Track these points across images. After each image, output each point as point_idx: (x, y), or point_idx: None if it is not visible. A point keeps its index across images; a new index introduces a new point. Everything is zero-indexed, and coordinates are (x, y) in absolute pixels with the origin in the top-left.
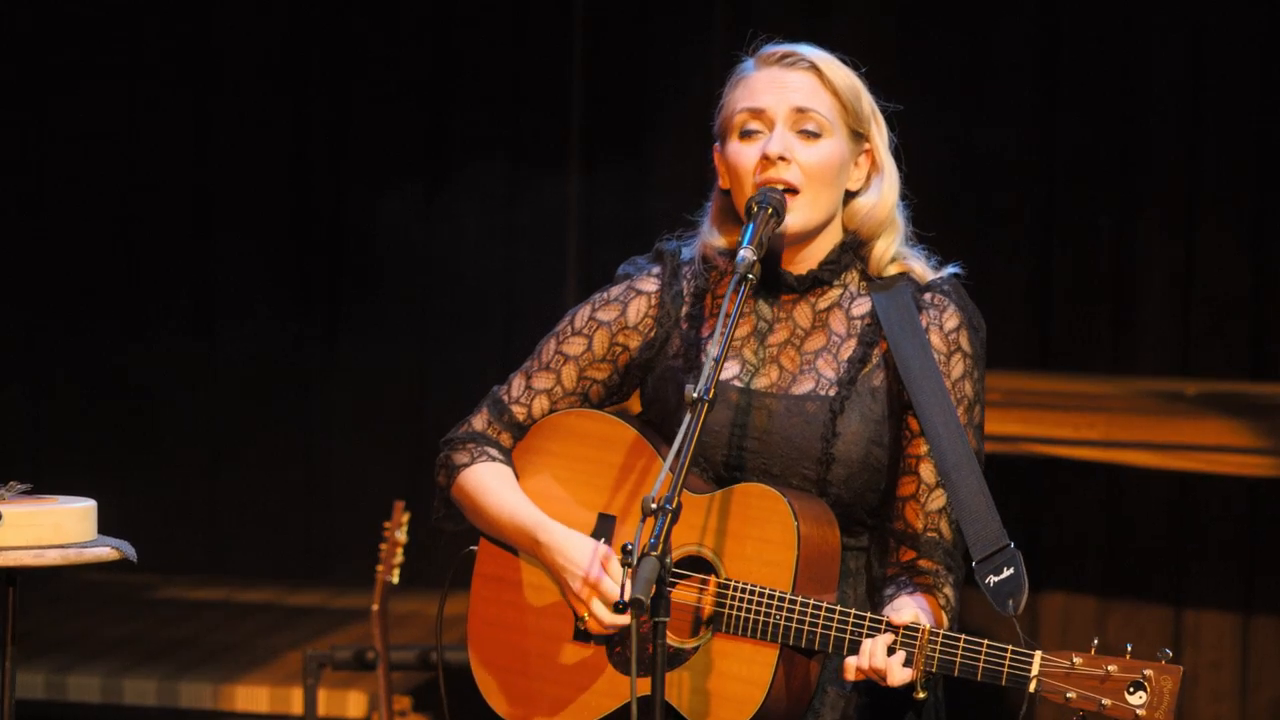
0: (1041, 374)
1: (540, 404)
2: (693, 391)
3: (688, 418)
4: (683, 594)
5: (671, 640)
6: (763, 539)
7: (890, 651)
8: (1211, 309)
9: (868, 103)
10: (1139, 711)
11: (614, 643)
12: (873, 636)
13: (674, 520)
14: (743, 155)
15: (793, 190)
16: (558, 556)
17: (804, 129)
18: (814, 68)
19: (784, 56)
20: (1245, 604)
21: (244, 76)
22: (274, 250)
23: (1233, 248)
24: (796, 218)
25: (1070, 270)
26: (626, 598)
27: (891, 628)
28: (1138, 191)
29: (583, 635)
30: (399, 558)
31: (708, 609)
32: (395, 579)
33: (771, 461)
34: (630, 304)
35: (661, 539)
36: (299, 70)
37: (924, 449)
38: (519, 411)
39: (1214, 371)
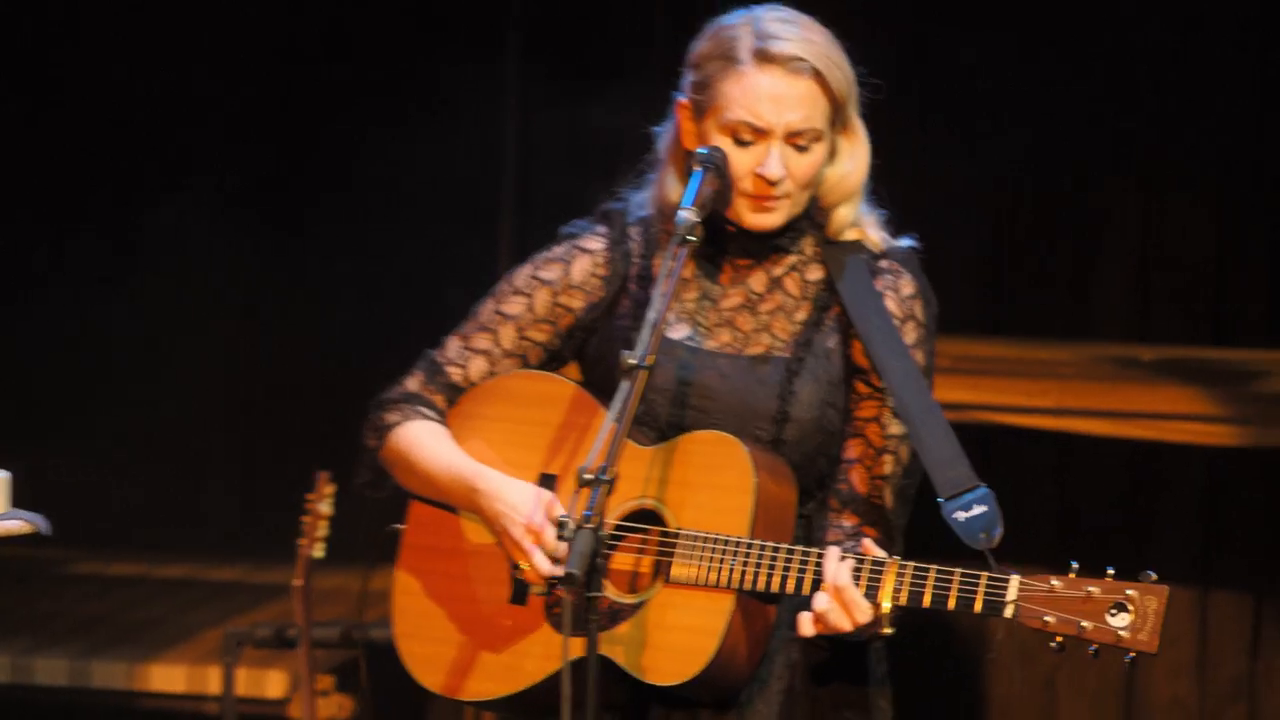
0: (992, 339)
1: (477, 366)
2: (630, 358)
3: (625, 385)
4: (629, 548)
5: (613, 595)
6: (717, 485)
7: (855, 580)
8: (1172, 272)
9: (852, 82)
10: (1121, 633)
11: (552, 604)
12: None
13: (610, 491)
14: (734, 161)
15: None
16: (497, 503)
17: (798, 144)
18: (816, 74)
19: (789, 60)
20: (1203, 578)
21: None
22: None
23: (1195, 209)
24: (777, 219)
25: (1025, 233)
26: (560, 572)
27: (859, 558)
28: (1097, 151)
29: (519, 598)
30: (322, 531)
31: (654, 561)
32: (319, 553)
33: (723, 421)
34: (575, 262)
35: (597, 510)
36: None
37: (872, 412)
38: (454, 373)
39: (1173, 337)
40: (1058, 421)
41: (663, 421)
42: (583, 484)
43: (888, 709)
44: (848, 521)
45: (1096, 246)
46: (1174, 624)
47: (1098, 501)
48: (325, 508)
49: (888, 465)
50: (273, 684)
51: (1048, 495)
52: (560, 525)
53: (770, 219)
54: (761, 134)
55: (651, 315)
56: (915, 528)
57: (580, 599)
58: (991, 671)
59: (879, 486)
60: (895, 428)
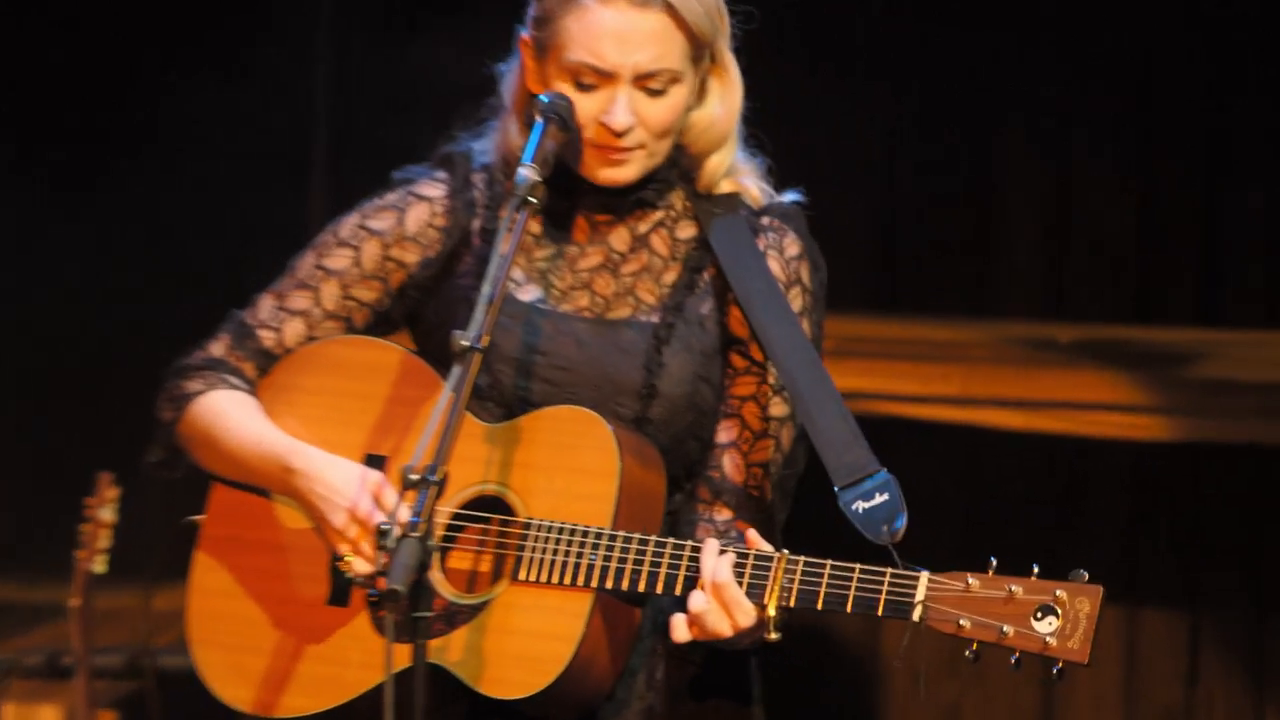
0: (886, 317)
1: (294, 329)
2: (462, 338)
3: (456, 370)
4: (469, 541)
5: (450, 595)
6: (575, 469)
7: (738, 578)
8: (1090, 241)
9: (718, 13)
10: (1049, 640)
11: (378, 603)
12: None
13: (439, 493)
14: (578, 109)
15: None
16: (316, 485)
17: (651, 87)
18: (669, 6)
19: None
20: (1130, 592)
21: None
22: None
23: (1113, 170)
24: (630, 173)
25: (924, 197)
26: (380, 586)
27: (741, 552)
28: (1002, 106)
29: (339, 597)
30: (104, 541)
31: (498, 556)
32: (100, 567)
33: (579, 395)
34: (410, 211)
35: (424, 516)
36: None
37: (750, 389)
38: (267, 337)
39: (1092, 315)
40: (962, 412)
41: (509, 395)
42: (408, 485)
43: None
44: (720, 515)
45: (1003, 213)
46: (1097, 644)
47: (1009, 506)
48: (107, 514)
49: (767, 451)
50: None
51: (950, 499)
52: (381, 534)
53: (622, 173)
54: (606, 77)
55: (487, 290)
56: (807, 522)
57: (406, 617)
58: (886, 694)
59: (756, 475)
60: (777, 408)
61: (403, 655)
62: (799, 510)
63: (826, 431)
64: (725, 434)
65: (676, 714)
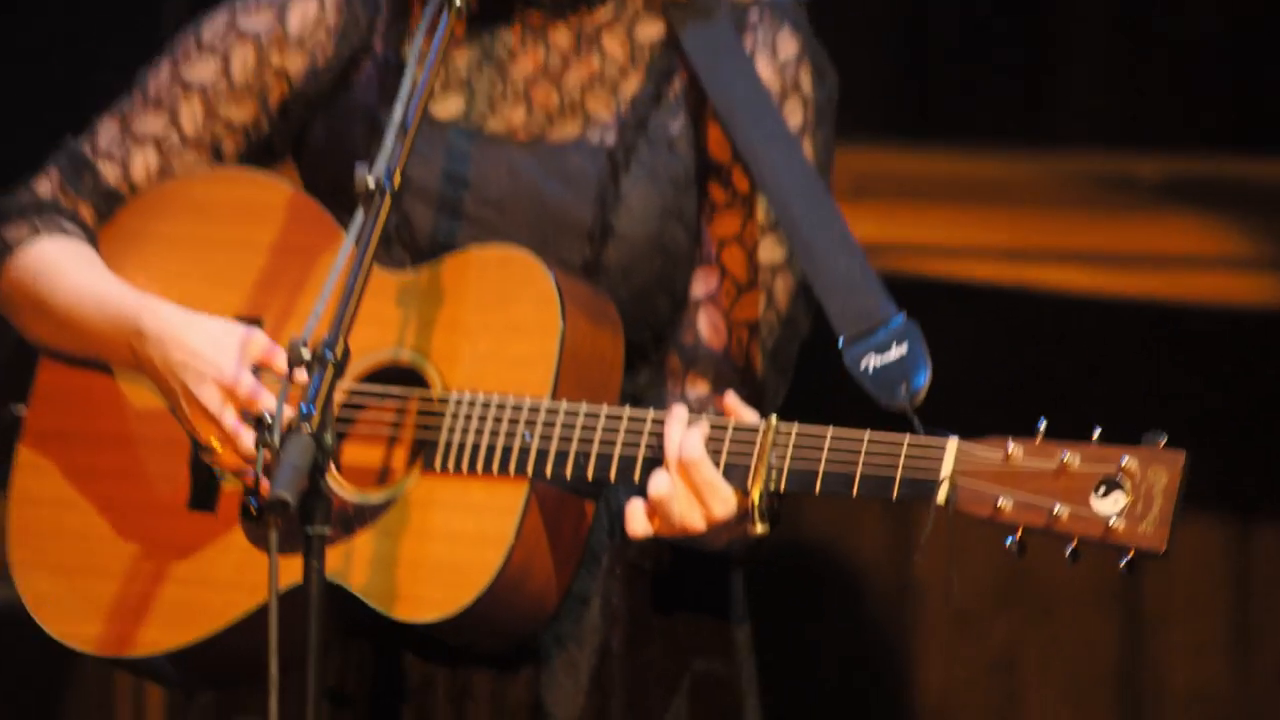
0: (914, 147)
1: (144, 161)
2: (367, 175)
3: (360, 215)
4: (374, 423)
5: (349, 494)
6: (506, 326)
7: (715, 457)
8: (1176, 50)
9: None
10: (1113, 522)
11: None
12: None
13: (338, 374)
14: None
15: None
16: (174, 350)
17: None
18: None
19: None
20: (1235, 504)
21: None
22: None
23: None
24: None
25: None
26: (263, 495)
27: (718, 421)
28: None
29: (203, 501)
30: None
31: (411, 440)
32: None
33: (514, 236)
34: (293, 7)
35: (320, 405)
36: None
37: (735, 227)
38: (109, 172)
39: (1181, 144)
40: (1012, 269)
41: (425, 241)
42: (296, 364)
43: (747, 656)
44: (696, 389)
45: (1068, 7)
46: (1200, 575)
47: (1068, 388)
48: None
49: (756, 307)
50: None
51: (994, 379)
52: (262, 427)
53: None
54: None
55: (399, 113)
56: (805, 391)
57: (295, 531)
58: (913, 613)
59: (742, 338)
60: (769, 252)
61: (291, 570)
62: (798, 384)
63: (830, 273)
64: (702, 286)
65: (638, 654)
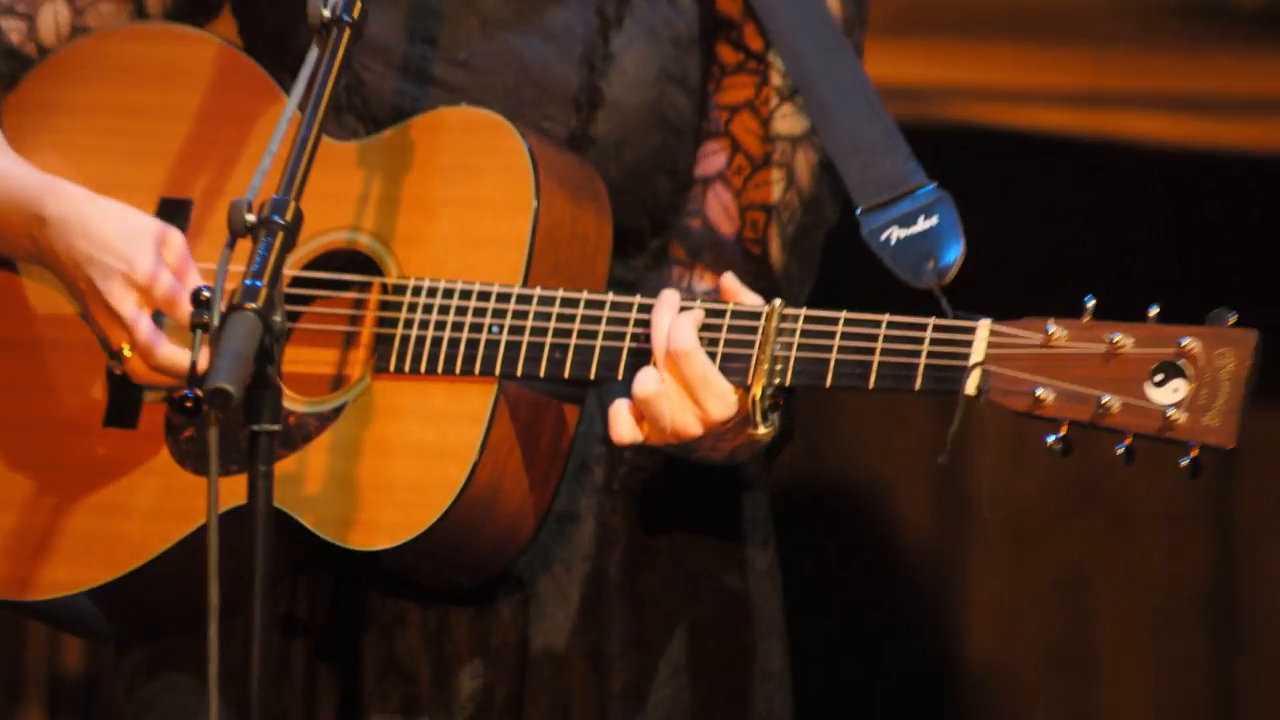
0: None
1: (54, 16)
2: (323, 5)
3: (313, 53)
4: (322, 318)
5: (294, 404)
6: (472, 202)
7: (710, 347)
8: None
9: None
10: (1171, 414)
11: (179, 424)
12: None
13: (290, 242)
14: None
15: None
16: (78, 240)
17: None
18: None
19: None
20: None
21: None
22: None
23: None
24: None
25: None
26: (200, 383)
27: (714, 306)
28: None
29: (120, 416)
30: None
31: (366, 337)
32: None
33: (487, 105)
34: None
35: (268, 279)
36: None
37: (747, 93)
38: (12, 29)
39: None
40: (1085, 117)
41: (383, 105)
42: (240, 232)
43: (770, 592)
44: (702, 284)
45: None
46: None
47: (1147, 257)
48: None
49: (774, 188)
50: None
51: (1059, 248)
52: (198, 303)
53: None
54: None
55: None
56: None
57: (237, 431)
58: (960, 531)
59: (757, 223)
60: (789, 122)
61: (230, 491)
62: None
63: (848, 137)
64: (710, 162)
65: (638, 581)
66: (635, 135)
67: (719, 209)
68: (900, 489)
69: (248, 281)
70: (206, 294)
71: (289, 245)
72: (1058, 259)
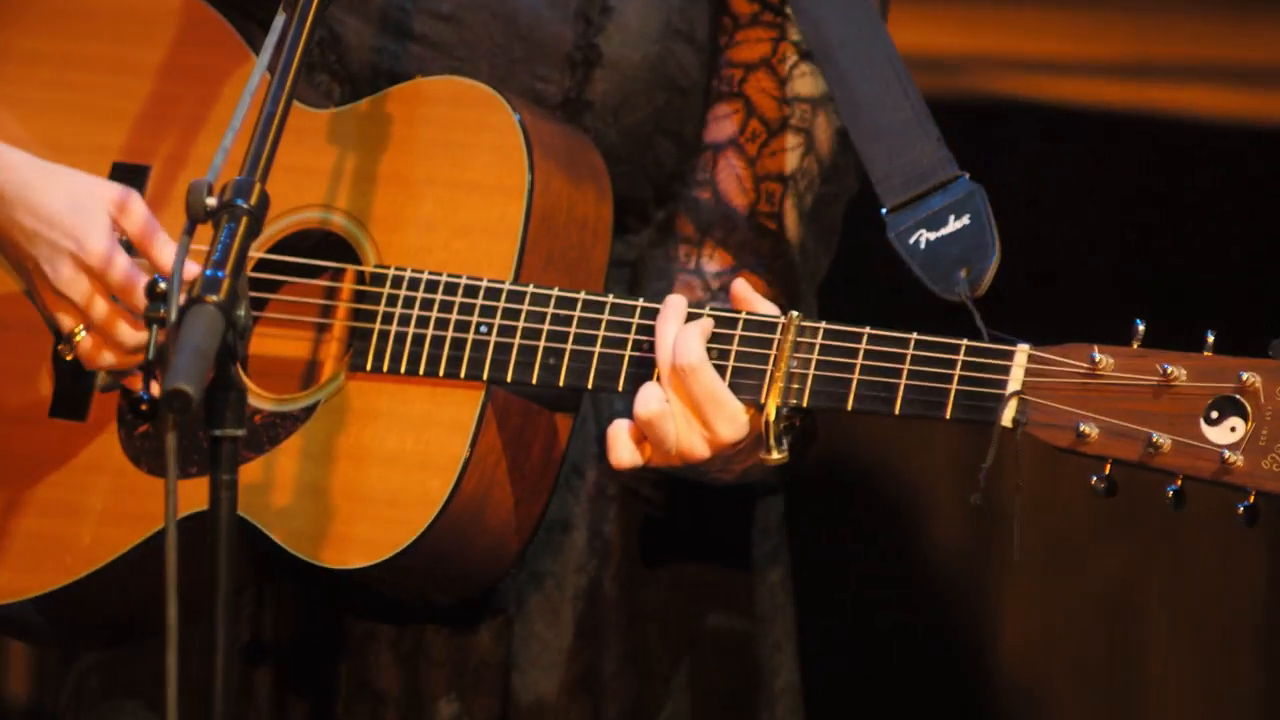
0: None
1: None
2: None
3: (280, 19)
4: (292, 308)
5: (261, 401)
6: (458, 183)
7: (720, 362)
8: None
9: None
10: (1229, 457)
11: (132, 418)
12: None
13: (255, 228)
14: None
15: None
16: (22, 214)
17: None
18: None
19: None
20: None
21: None
22: None
23: None
24: None
25: None
26: (153, 385)
27: (725, 314)
28: None
29: (69, 407)
30: None
31: (340, 330)
32: None
33: (473, 63)
34: None
35: (231, 268)
36: None
37: (763, 50)
38: None
39: None
40: (1132, 90)
41: (361, 64)
42: (199, 217)
43: (783, 603)
44: (712, 263)
45: None
46: None
47: (1198, 243)
48: None
49: (789, 156)
50: None
51: (1097, 230)
52: (154, 295)
53: None
54: None
55: None
56: (836, 277)
57: (197, 428)
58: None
59: (773, 195)
60: (809, 83)
61: (189, 495)
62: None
63: (872, 118)
64: (721, 127)
65: (636, 598)
66: (636, 97)
67: (731, 179)
68: (929, 499)
69: (208, 272)
70: (163, 285)
71: (254, 232)
72: (1101, 249)
